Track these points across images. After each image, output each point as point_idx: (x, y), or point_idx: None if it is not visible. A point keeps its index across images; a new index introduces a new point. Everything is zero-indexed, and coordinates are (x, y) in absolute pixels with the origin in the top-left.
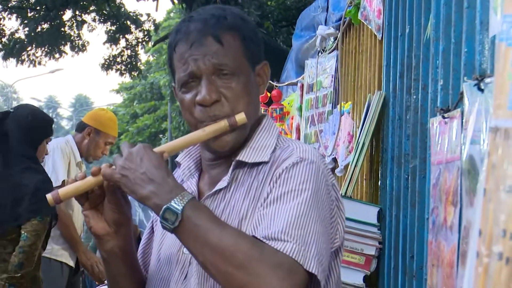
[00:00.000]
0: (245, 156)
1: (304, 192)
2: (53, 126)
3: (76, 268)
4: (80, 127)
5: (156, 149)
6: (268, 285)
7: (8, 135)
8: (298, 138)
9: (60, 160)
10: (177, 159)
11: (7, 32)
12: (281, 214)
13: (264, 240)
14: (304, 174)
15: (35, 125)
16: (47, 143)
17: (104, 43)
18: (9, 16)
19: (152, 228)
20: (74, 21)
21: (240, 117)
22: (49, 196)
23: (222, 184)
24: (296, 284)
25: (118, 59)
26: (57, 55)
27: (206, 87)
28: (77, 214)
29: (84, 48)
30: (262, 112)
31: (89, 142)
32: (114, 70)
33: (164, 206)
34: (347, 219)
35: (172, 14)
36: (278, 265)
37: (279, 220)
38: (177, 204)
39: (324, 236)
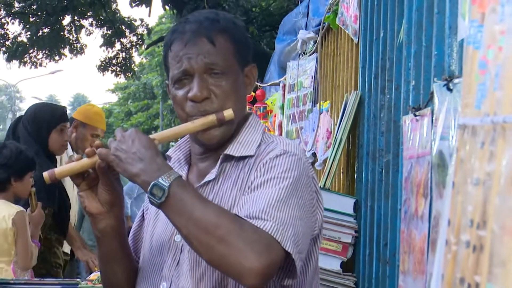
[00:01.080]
0: (232, 150)
1: (286, 180)
2: (65, 112)
3: (72, 254)
4: (70, 122)
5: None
6: (246, 258)
7: (20, 137)
8: (280, 135)
9: None
10: (168, 152)
11: (11, 36)
12: (263, 197)
13: (246, 218)
14: (286, 164)
15: (39, 119)
16: (62, 131)
17: (100, 46)
18: (12, 21)
19: (142, 216)
20: (72, 25)
21: (228, 113)
22: (45, 174)
23: (210, 176)
24: (273, 260)
25: (114, 61)
26: (57, 57)
27: (197, 85)
28: (73, 210)
29: (82, 51)
30: (249, 111)
31: (77, 135)
32: (109, 71)
33: (152, 183)
34: (325, 209)
35: (163, 20)
36: (256, 240)
37: (261, 201)
38: (164, 181)
39: (302, 221)
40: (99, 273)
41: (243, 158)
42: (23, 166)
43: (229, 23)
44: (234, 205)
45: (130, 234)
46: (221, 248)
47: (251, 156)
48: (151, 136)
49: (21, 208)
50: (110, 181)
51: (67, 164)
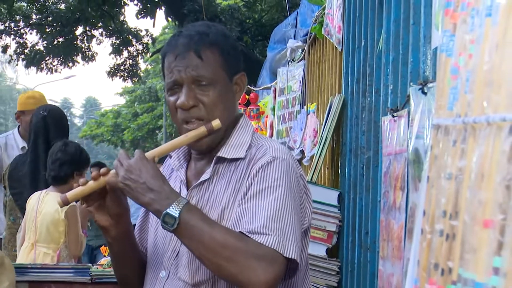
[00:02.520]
0: (224, 152)
1: (279, 188)
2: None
3: None
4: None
5: (148, 155)
6: (254, 274)
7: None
8: (272, 134)
9: None
10: (170, 152)
11: (29, 45)
12: (261, 209)
13: (248, 235)
14: (277, 171)
15: (66, 122)
16: None
17: (109, 54)
18: (31, 31)
19: (146, 210)
20: (84, 35)
21: (216, 123)
22: (58, 199)
23: (205, 176)
24: (277, 272)
25: (122, 67)
26: (70, 64)
27: (185, 94)
28: None
29: (93, 58)
30: (240, 111)
31: (22, 125)
32: (118, 77)
33: (164, 212)
34: (314, 201)
35: (167, 30)
36: (261, 257)
37: (260, 215)
38: (174, 209)
39: (298, 222)
40: (108, 258)
41: (234, 160)
42: (84, 162)
43: (219, 36)
44: (227, 205)
45: (136, 226)
46: (230, 267)
47: (242, 159)
48: (150, 153)
49: (74, 203)
50: (118, 196)
51: (76, 188)
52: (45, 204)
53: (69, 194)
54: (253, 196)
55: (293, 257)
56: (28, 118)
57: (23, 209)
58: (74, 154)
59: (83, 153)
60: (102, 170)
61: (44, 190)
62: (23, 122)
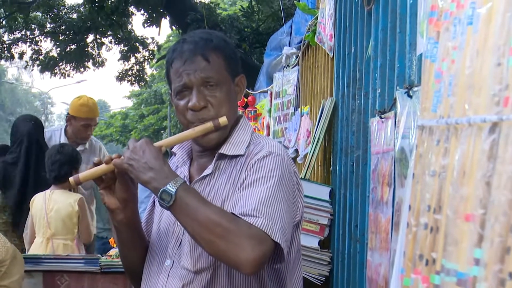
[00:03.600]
0: (226, 149)
1: (272, 179)
2: None
3: None
4: (66, 116)
5: (156, 144)
6: (243, 251)
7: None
8: (268, 134)
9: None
10: (173, 149)
11: (43, 52)
12: (254, 196)
13: (240, 216)
14: (272, 164)
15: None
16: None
17: (118, 60)
18: (45, 39)
19: (153, 203)
20: (95, 43)
21: (223, 120)
22: (71, 178)
23: (207, 171)
24: (265, 251)
25: (129, 72)
26: (82, 69)
27: (196, 96)
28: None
29: (103, 64)
30: (240, 113)
31: (71, 128)
32: (126, 81)
33: (161, 189)
34: (306, 196)
35: (171, 38)
36: (251, 236)
37: (252, 200)
38: (171, 187)
39: (288, 213)
40: (117, 249)
41: (235, 156)
42: (79, 160)
43: (221, 42)
44: (227, 197)
45: (143, 218)
46: (221, 244)
47: (241, 155)
48: (158, 143)
49: (81, 195)
50: (126, 181)
51: (88, 170)
52: (54, 202)
53: (81, 175)
54: (248, 185)
55: (278, 241)
56: (78, 124)
57: (11, 207)
58: (71, 155)
59: (77, 153)
60: (114, 155)
61: (48, 190)
62: (72, 126)
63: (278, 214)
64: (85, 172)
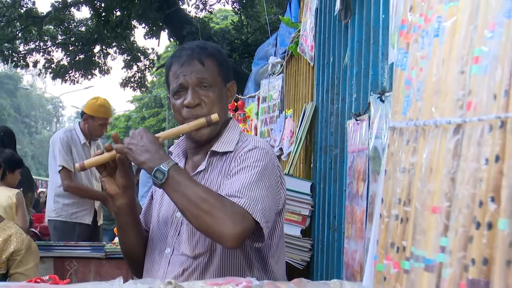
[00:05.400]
0: (217, 147)
1: (256, 168)
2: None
3: (94, 222)
4: (81, 115)
5: (155, 135)
6: (226, 226)
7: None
8: (256, 135)
9: (58, 148)
10: (170, 149)
11: (55, 61)
12: (238, 180)
13: (226, 196)
14: (256, 156)
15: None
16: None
17: (122, 68)
18: (57, 49)
19: (151, 197)
20: (101, 53)
21: (214, 116)
22: (77, 165)
23: (201, 167)
24: (246, 227)
25: (132, 79)
26: (89, 76)
27: (191, 94)
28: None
29: (108, 72)
30: (230, 116)
31: (88, 126)
32: (129, 87)
33: (155, 168)
34: (289, 190)
35: (169, 48)
36: (234, 212)
37: (237, 184)
38: (164, 167)
39: (269, 198)
40: None
41: (225, 153)
42: (14, 163)
43: (215, 50)
44: (219, 187)
45: (142, 211)
46: (207, 219)
47: (231, 152)
48: (157, 135)
49: (19, 191)
50: (125, 170)
51: (93, 157)
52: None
53: (86, 162)
54: (234, 173)
55: (258, 220)
56: (96, 123)
57: None
58: (6, 158)
59: (14, 157)
60: (113, 133)
61: None
62: (89, 125)
63: (259, 197)
64: (90, 160)
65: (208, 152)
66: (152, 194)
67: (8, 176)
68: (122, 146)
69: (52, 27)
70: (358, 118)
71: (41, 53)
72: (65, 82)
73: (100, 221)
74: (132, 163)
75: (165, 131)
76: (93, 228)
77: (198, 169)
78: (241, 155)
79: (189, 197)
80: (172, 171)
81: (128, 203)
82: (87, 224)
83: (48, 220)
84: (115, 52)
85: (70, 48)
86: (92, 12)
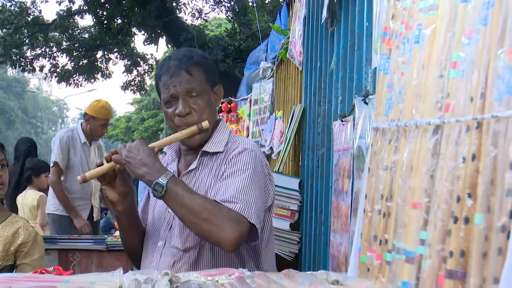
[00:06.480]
0: (208, 147)
1: (247, 171)
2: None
3: (90, 218)
4: (84, 116)
5: (150, 145)
6: (224, 232)
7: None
8: (248, 135)
9: (57, 146)
10: (164, 149)
11: (60, 65)
12: (232, 185)
13: (221, 202)
14: (246, 158)
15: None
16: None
17: (122, 72)
18: (61, 55)
19: (148, 196)
20: (103, 58)
21: (205, 124)
22: (78, 177)
23: (193, 166)
24: (243, 231)
25: (132, 83)
26: (92, 80)
27: (181, 104)
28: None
29: (110, 76)
30: (219, 117)
31: (89, 127)
32: (129, 90)
33: (154, 181)
34: (279, 186)
35: (167, 54)
36: (230, 218)
37: (231, 189)
38: (162, 180)
39: (261, 198)
40: None
41: (215, 153)
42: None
43: (201, 58)
44: (210, 186)
45: (140, 208)
46: (205, 226)
47: (221, 152)
48: (151, 144)
49: (43, 194)
50: (124, 178)
51: (93, 169)
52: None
53: (88, 173)
54: (227, 176)
55: (254, 223)
56: (97, 123)
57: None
58: (33, 164)
59: (39, 163)
60: (112, 150)
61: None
62: (91, 125)
63: (253, 200)
64: (91, 171)
65: (199, 153)
66: (148, 193)
67: (35, 180)
68: (120, 158)
69: (57, 34)
70: (343, 119)
71: (47, 58)
72: (70, 86)
73: (97, 217)
74: None
75: (159, 140)
76: (89, 223)
77: (190, 168)
78: (232, 158)
79: (187, 206)
80: (170, 183)
81: (129, 208)
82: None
83: (47, 213)
84: (116, 58)
85: (74, 54)
86: (94, 20)
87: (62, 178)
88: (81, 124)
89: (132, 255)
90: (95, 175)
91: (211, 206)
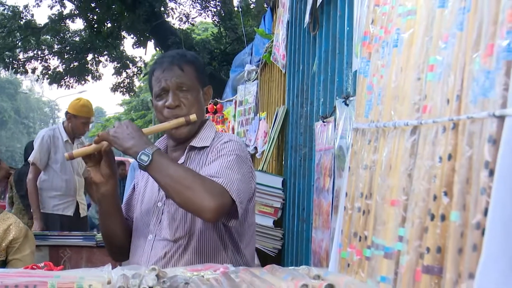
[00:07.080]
0: (195, 142)
1: (231, 156)
2: None
3: (77, 214)
4: (65, 114)
5: None
6: (205, 200)
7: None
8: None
9: (37, 145)
10: None
11: (52, 67)
12: (216, 164)
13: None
14: (231, 146)
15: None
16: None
17: (112, 75)
18: (53, 57)
19: (133, 188)
20: (94, 60)
21: (193, 116)
22: (66, 154)
23: (180, 160)
24: (223, 202)
25: (121, 85)
26: (83, 82)
27: (172, 97)
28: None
29: (100, 78)
30: (206, 117)
31: (71, 125)
32: (118, 91)
33: (140, 152)
34: (262, 184)
35: (155, 57)
36: (212, 188)
37: (215, 167)
38: (148, 151)
39: (243, 183)
40: None
41: (202, 148)
42: None
43: (193, 58)
44: None
45: (124, 201)
46: (188, 193)
47: (207, 147)
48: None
49: None
50: (110, 160)
51: (81, 148)
52: None
53: (75, 152)
54: (211, 161)
55: (234, 198)
56: (78, 121)
57: (28, 205)
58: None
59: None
60: (100, 132)
61: None
62: (73, 123)
63: (235, 179)
64: (78, 150)
65: (187, 147)
66: (134, 186)
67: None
68: (108, 134)
69: (49, 37)
70: (325, 120)
71: (39, 61)
72: (61, 87)
73: (84, 213)
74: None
75: (148, 127)
76: (75, 219)
77: (178, 162)
78: (218, 146)
79: (171, 175)
80: (155, 154)
81: (111, 191)
82: (69, 215)
83: None
84: (106, 60)
85: (65, 56)
86: (85, 24)
87: (45, 176)
88: (62, 123)
89: (108, 241)
90: (82, 154)
91: (194, 176)
